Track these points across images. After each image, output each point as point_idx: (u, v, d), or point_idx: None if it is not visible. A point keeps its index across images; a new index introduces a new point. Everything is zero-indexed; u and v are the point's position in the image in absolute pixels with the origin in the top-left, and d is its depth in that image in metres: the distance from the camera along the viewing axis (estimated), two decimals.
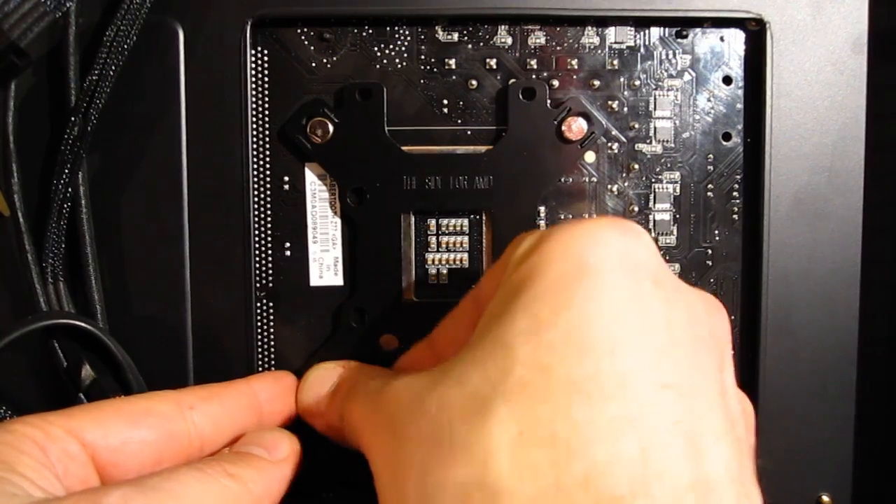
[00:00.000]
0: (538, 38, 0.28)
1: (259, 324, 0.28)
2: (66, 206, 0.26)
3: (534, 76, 0.28)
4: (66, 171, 0.26)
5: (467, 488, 0.17)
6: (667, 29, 0.28)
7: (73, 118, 0.25)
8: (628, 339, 0.18)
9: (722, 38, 0.28)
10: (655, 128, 0.28)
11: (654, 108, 0.28)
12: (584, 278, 0.19)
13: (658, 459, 0.16)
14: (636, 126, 0.28)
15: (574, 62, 0.28)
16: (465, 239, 0.29)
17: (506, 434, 0.17)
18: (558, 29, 0.28)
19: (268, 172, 0.28)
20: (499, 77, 0.28)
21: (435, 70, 0.28)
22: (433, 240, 0.29)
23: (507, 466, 0.17)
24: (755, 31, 0.28)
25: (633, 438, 0.17)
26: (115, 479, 0.21)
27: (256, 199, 0.28)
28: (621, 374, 0.17)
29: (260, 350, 0.28)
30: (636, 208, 0.29)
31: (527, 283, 0.19)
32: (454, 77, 0.28)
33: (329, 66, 0.27)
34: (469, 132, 0.28)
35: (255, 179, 0.28)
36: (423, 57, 0.28)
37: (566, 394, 0.17)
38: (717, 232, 0.29)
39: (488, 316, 0.20)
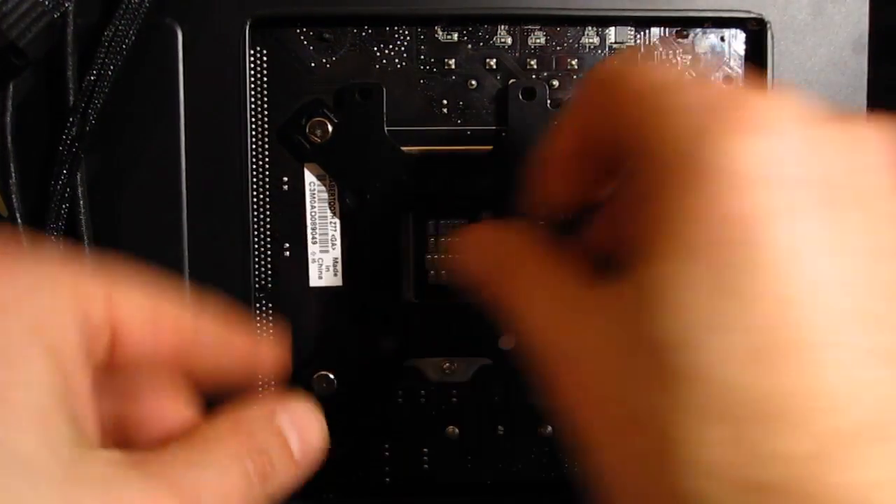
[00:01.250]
0: (538, 38, 0.28)
1: (259, 324, 0.28)
2: (64, 206, 0.26)
3: (534, 76, 0.28)
4: (65, 171, 0.25)
5: None
6: (667, 29, 0.28)
7: (71, 118, 0.25)
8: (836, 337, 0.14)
9: (722, 38, 0.28)
10: None
11: None
12: (749, 249, 0.14)
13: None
14: None
15: (574, 62, 0.28)
16: None
17: (706, 486, 0.14)
18: (558, 29, 0.28)
19: (267, 172, 0.28)
20: (499, 77, 0.28)
21: (435, 70, 0.28)
22: (433, 240, 0.29)
23: None
24: (756, 31, 0.28)
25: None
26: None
27: (256, 200, 0.28)
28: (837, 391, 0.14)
29: None
30: None
31: (669, 231, 0.15)
32: (454, 77, 0.28)
33: (329, 66, 0.27)
34: (469, 132, 0.28)
35: (255, 179, 0.28)
36: (422, 57, 0.28)
37: (774, 423, 0.14)
38: None
39: (631, 263, 0.16)
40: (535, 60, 0.28)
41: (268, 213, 0.28)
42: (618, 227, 0.20)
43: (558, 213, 0.22)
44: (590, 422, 0.17)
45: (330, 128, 0.27)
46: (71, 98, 0.26)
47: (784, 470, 0.14)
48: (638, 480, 0.16)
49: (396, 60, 0.28)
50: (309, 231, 0.28)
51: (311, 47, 0.27)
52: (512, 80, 0.28)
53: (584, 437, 0.17)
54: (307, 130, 0.27)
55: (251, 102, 0.27)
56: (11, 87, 0.26)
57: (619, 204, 0.20)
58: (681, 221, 0.15)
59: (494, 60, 0.28)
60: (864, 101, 0.28)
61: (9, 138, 0.26)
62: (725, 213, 0.15)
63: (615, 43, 0.28)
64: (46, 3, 0.24)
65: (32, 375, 0.15)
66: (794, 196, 0.15)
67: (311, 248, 0.28)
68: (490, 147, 0.28)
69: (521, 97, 0.27)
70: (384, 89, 0.27)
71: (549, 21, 0.28)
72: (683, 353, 0.15)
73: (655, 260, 0.15)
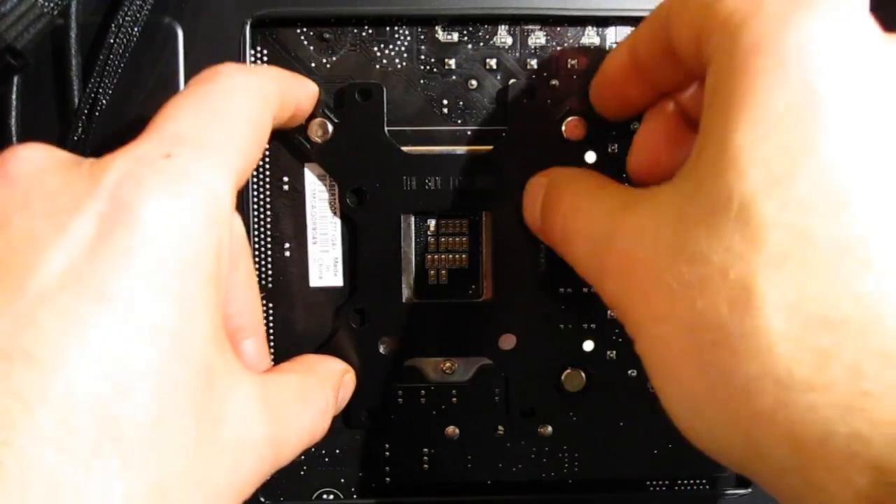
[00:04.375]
0: (538, 38, 0.28)
1: None
2: None
3: (534, 76, 0.28)
4: None
5: (758, 383, 0.16)
6: None
7: (75, 120, 0.25)
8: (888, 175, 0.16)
9: None
10: None
11: None
12: (821, 109, 0.16)
13: None
14: (637, 125, 0.28)
15: (574, 62, 0.28)
16: (465, 239, 0.29)
17: (782, 323, 0.16)
18: (558, 29, 0.28)
19: (267, 172, 0.28)
20: (499, 77, 0.28)
21: (435, 70, 0.28)
22: (433, 240, 0.29)
23: (793, 356, 0.16)
24: None
25: None
26: None
27: (256, 200, 0.28)
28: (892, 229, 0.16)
29: None
30: None
31: (745, 100, 0.17)
32: (454, 77, 0.28)
33: (329, 66, 0.27)
34: (469, 132, 0.28)
35: (255, 179, 0.28)
36: (423, 57, 0.28)
37: (838, 264, 0.16)
38: None
39: (701, 144, 0.18)
40: (535, 60, 0.28)
41: (268, 212, 0.28)
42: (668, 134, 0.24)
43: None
44: (647, 293, 0.19)
45: (330, 128, 0.27)
46: (75, 99, 0.26)
47: (853, 307, 0.15)
48: (704, 335, 0.17)
49: (396, 60, 0.28)
50: (309, 231, 0.28)
51: (311, 47, 0.27)
52: (512, 80, 0.28)
53: (639, 311, 0.19)
54: (307, 130, 0.27)
55: None
56: (15, 87, 0.26)
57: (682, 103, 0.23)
58: (763, 92, 0.17)
59: (494, 60, 0.28)
60: None
61: (14, 140, 0.26)
62: (801, 86, 0.17)
63: (615, 43, 0.28)
64: (45, 4, 0.24)
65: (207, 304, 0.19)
66: (860, 70, 0.17)
67: (311, 248, 0.28)
68: (490, 147, 0.28)
69: (521, 97, 0.27)
70: (384, 89, 0.27)
71: (548, 21, 0.28)
72: (767, 203, 0.16)
73: (739, 125, 0.17)
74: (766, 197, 0.16)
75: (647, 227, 0.19)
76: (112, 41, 0.25)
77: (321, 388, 0.24)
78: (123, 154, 0.18)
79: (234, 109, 0.21)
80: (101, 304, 0.16)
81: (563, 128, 0.27)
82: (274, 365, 0.28)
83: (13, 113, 0.26)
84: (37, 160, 0.19)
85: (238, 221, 0.24)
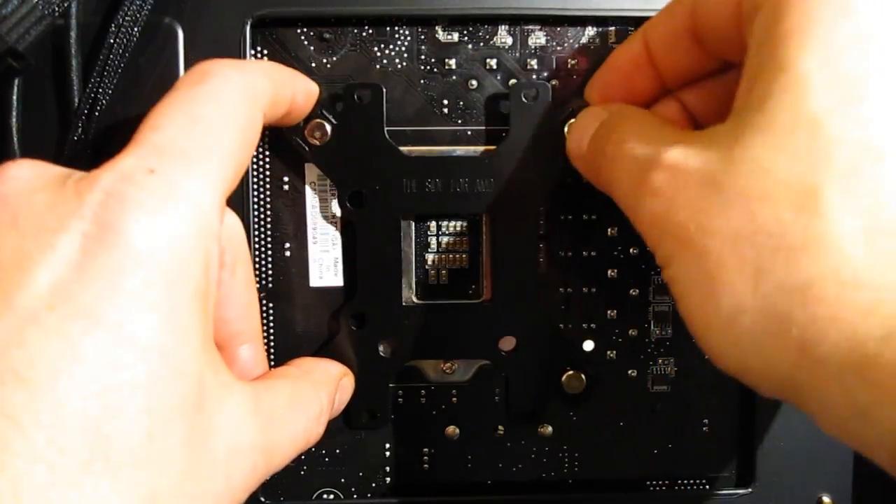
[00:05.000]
0: (538, 38, 0.28)
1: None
2: None
3: (534, 76, 0.28)
4: None
5: (819, 285, 0.16)
6: None
7: (75, 121, 0.25)
8: None
9: None
10: None
11: None
12: (886, 36, 0.17)
13: None
14: None
15: (574, 62, 0.28)
16: (466, 240, 0.29)
17: (851, 227, 0.16)
18: (558, 29, 0.28)
19: (267, 172, 0.28)
20: (499, 77, 0.28)
21: (435, 70, 0.28)
22: (433, 240, 0.29)
23: (861, 257, 0.16)
24: None
25: None
26: None
27: (256, 200, 0.28)
28: None
29: None
30: None
31: (809, 30, 0.18)
32: (454, 77, 0.28)
33: (329, 66, 0.27)
34: (469, 132, 0.28)
35: (255, 179, 0.28)
36: (423, 57, 0.28)
37: None
38: None
39: (753, 80, 0.19)
40: (535, 60, 0.28)
41: (268, 212, 0.28)
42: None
43: None
44: (697, 208, 0.19)
45: (329, 129, 0.26)
46: (75, 100, 0.26)
47: None
48: (764, 242, 0.17)
49: (396, 60, 0.28)
50: (309, 231, 0.28)
51: (311, 47, 0.27)
52: (513, 81, 0.28)
53: (685, 227, 0.19)
54: (305, 132, 0.26)
55: None
56: (16, 88, 0.26)
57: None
58: (828, 22, 0.18)
59: (494, 60, 0.28)
60: None
61: (14, 140, 0.26)
62: (864, 16, 0.18)
63: (615, 43, 0.28)
64: (45, 6, 0.24)
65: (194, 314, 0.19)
66: None
67: (311, 248, 0.28)
68: (491, 147, 0.28)
69: (523, 98, 0.27)
70: (383, 90, 0.27)
71: (548, 21, 0.28)
72: (838, 120, 0.17)
73: (805, 51, 0.18)
74: (838, 114, 0.17)
75: (703, 144, 0.19)
76: (112, 41, 0.25)
77: (315, 392, 0.24)
78: (108, 170, 0.18)
79: (221, 114, 0.20)
80: (89, 323, 0.16)
81: (566, 129, 0.27)
82: (274, 365, 0.28)
83: (13, 113, 0.26)
84: (26, 178, 0.18)
85: (237, 226, 0.23)
